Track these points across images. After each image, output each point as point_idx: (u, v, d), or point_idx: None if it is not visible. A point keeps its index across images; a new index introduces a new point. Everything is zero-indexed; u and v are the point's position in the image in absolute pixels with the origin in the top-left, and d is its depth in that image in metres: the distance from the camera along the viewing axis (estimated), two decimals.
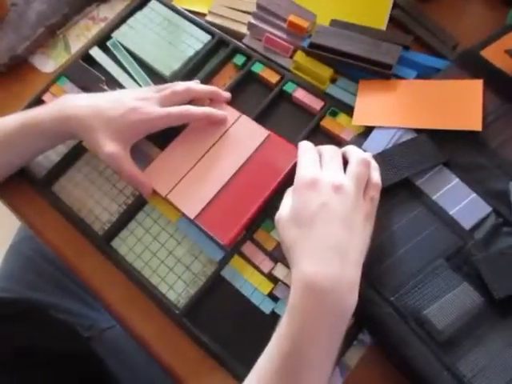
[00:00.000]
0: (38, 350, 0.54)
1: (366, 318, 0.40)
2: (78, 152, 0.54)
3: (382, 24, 0.55)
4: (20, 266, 0.66)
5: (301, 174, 0.41)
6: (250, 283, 0.44)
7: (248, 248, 0.46)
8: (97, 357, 0.59)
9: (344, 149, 0.43)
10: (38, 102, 0.56)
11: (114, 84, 0.56)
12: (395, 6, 0.56)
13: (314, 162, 0.42)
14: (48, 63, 0.60)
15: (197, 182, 0.48)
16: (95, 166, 0.53)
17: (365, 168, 0.41)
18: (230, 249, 0.46)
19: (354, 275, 0.37)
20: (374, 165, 0.42)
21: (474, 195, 0.42)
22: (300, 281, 0.36)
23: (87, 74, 0.57)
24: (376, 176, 0.42)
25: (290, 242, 0.39)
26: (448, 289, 0.38)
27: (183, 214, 0.47)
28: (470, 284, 0.38)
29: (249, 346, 0.42)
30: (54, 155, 0.54)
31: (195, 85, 0.51)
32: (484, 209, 0.41)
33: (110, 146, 0.46)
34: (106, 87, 0.55)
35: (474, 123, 0.44)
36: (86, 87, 0.56)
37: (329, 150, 0.43)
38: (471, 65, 0.48)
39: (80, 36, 0.62)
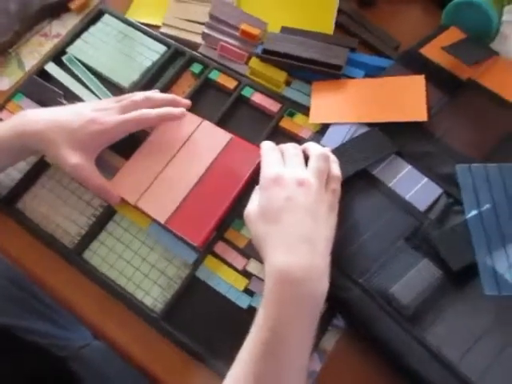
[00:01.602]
0: (5, 373, 0.53)
1: (339, 303, 0.42)
2: (40, 167, 0.53)
3: (329, 29, 0.58)
4: None
5: (265, 172, 0.43)
6: (226, 281, 0.46)
7: (220, 247, 0.47)
8: (74, 376, 0.58)
9: (304, 145, 0.46)
10: None
11: (73, 98, 0.56)
12: (340, 12, 0.59)
13: (276, 160, 0.44)
14: (2, 81, 0.60)
15: (165, 188, 0.49)
16: (59, 180, 0.53)
17: (324, 162, 0.43)
18: (203, 250, 0.47)
19: (324, 263, 0.39)
20: (333, 158, 0.45)
21: (425, 179, 0.46)
22: (273, 273, 0.38)
23: (44, 89, 0.57)
24: (336, 169, 0.45)
25: (261, 237, 0.41)
26: (410, 266, 0.42)
27: (153, 220, 0.48)
28: (430, 260, 0.42)
29: (230, 342, 0.43)
30: (16, 172, 0.53)
31: (154, 93, 0.52)
32: (436, 191, 0.45)
33: (74, 158, 0.47)
34: (64, 101, 0.55)
35: (420, 114, 0.48)
36: (44, 102, 0.55)
37: (290, 147, 0.45)
38: (413, 62, 0.52)
39: (33, 52, 0.61)
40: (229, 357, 0.39)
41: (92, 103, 0.51)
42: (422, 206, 0.45)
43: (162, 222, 0.47)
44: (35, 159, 0.54)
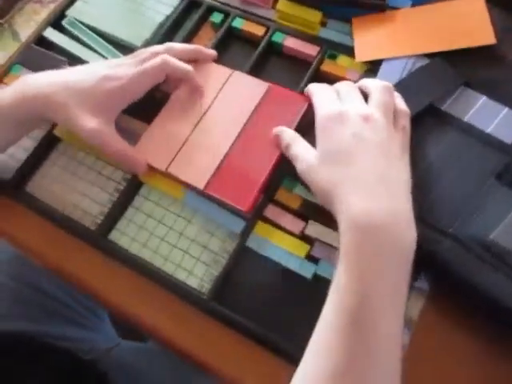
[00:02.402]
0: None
1: (425, 259, 0.35)
2: (48, 143, 0.46)
3: None
4: None
5: (322, 111, 0.37)
6: (283, 248, 0.39)
7: (271, 211, 0.40)
8: (106, 378, 0.51)
9: (359, 83, 0.39)
10: None
11: (78, 63, 0.48)
12: None
13: (332, 97, 0.37)
14: None
15: (198, 150, 0.42)
16: (72, 155, 0.46)
17: (389, 95, 0.37)
18: (251, 215, 0.40)
19: (407, 206, 0.33)
20: (396, 94, 0.38)
21: (506, 109, 0.39)
22: (351, 222, 0.32)
23: (45, 58, 0.49)
24: (402, 104, 0.38)
25: (329, 185, 0.34)
26: (509, 207, 0.35)
27: (189, 187, 0.41)
28: None
29: (296, 319, 0.37)
30: (21, 151, 0.46)
31: (175, 44, 0.45)
32: None
33: (90, 122, 0.40)
34: (69, 68, 0.48)
35: (487, 37, 0.41)
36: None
37: (344, 85, 0.39)
38: None
39: (29, 21, 0.54)
40: (298, 336, 0.32)
41: (105, 62, 0.44)
42: (508, 138, 0.38)
43: (201, 188, 0.40)
44: (42, 134, 0.46)
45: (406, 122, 0.37)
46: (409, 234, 0.32)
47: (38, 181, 0.45)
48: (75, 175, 0.45)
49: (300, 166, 0.37)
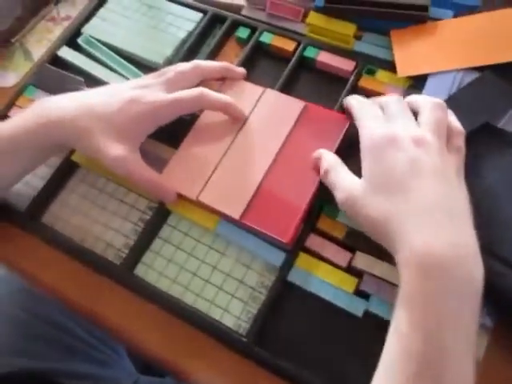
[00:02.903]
0: None
1: (489, 294, 0.32)
2: (67, 170, 0.43)
3: None
4: (7, 331, 0.53)
5: (370, 134, 0.33)
6: (329, 283, 0.35)
7: (314, 241, 0.37)
8: None
9: (406, 99, 0.36)
10: (4, 120, 0.45)
11: (96, 83, 0.45)
12: None
13: (378, 116, 0.34)
14: (7, 76, 0.50)
15: (231, 176, 0.38)
16: (92, 182, 0.43)
17: (442, 112, 0.33)
18: (292, 247, 0.36)
19: (472, 237, 0.29)
20: (449, 111, 0.35)
21: None
22: (412, 261, 0.28)
23: (60, 78, 0.46)
24: (456, 122, 0.34)
25: (381, 218, 0.30)
26: None
27: (223, 217, 0.38)
28: None
29: (347, 362, 0.33)
30: (37, 180, 0.43)
31: (203, 62, 0.42)
32: None
33: (115, 149, 0.36)
34: (86, 88, 0.45)
35: None
36: (62, 92, 0.45)
37: (391, 100, 0.35)
38: None
39: (41, 40, 0.51)
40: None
41: (128, 82, 0.41)
42: None
43: (237, 217, 0.36)
44: (59, 160, 0.43)
45: (460, 142, 0.33)
46: (477, 269, 0.28)
47: (55, 211, 0.42)
48: (96, 204, 0.41)
49: (340, 197, 0.33)
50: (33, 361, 0.52)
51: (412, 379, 0.27)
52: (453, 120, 0.34)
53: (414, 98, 0.35)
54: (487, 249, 0.32)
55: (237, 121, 0.40)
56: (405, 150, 0.31)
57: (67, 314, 0.56)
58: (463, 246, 0.29)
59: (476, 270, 0.28)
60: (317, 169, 0.37)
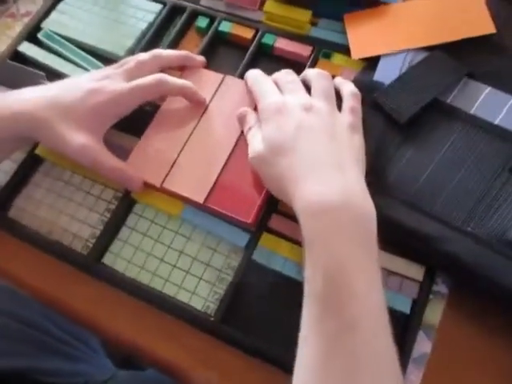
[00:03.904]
0: None
1: (443, 260, 0.34)
2: (31, 164, 0.43)
3: None
4: None
5: (264, 104, 0.37)
6: (292, 260, 0.36)
7: (276, 221, 0.38)
8: None
9: (301, 75, 0.40)
10: None
11: (58, 77, 0.45)
12: None
13: (272, 88, 0.38)
14: None
15: (194, 162, 0.39)
16: (58, 175, 0.43)
17: (326, 80, 0.38)
18: (256, 228, 0.38)
19: (360, 182, 0.32)
20: (343, 80, 0.39)
21: None
22: (306, 208, 0.31)
23: (21, 73, 0.46)
24: (350, 86, 0.38)
25: (277, 175, 0.33)
26: None
27: (187, 202, 0.39)
28: None
29: None
30: (1, 175, 0.43)
31: (163, 51, 0.42)
32: None
33: (79, 138, 0.37)
34: (47, 82, 0.45)
35: (486, 26, 0.40)
36: (24, 87, 0.45)
37: (283, 74, 0.39)
38: None
39: (1, 36, 0.51)
40: None
41: (89, 74, 0.41)
42: None
43: (201, 202, 0.37)
44: (23, 155, 0.43)
45: (353, 102, 0.37)
46: (366, 206, 0.31)
47: (21, 205, 0.42)
48: (62, 196, 0.42)
49: (251, 155, 0.36)
50: (6, 359, 0.52)
51: (316, 320, 0.28)
52: (346, 85, 0.38)
53: (304, 73, 0.39)
54: (438, 216, 0.33)
55: (197, 105, 0.41)
56: (294, 115, 0.35)
57: (40, 312, 0.56)
58: (350, 191, 0.31)
59: (366, 206, 0.31)
60: (240, 122, 0.39)
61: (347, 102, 0.37)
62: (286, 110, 0.35)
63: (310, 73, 0.39)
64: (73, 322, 0.39)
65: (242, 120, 0.39)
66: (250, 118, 0.38)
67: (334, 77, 0.42)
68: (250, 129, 0.38)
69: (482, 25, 0.40)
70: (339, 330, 0.27)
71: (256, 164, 0.36)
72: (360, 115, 0.37)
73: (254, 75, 0.40)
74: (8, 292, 0.53)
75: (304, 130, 0.34)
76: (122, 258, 0.39)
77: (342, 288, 0.28)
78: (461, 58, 0.40)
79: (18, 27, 0.52)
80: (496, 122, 0.37)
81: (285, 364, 0.33)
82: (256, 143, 0.36)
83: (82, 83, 0.39)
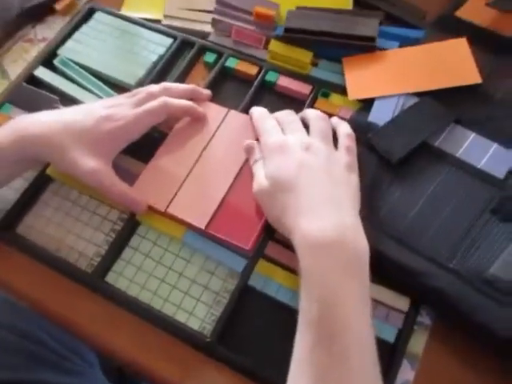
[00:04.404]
0: None
1: (426, 294, 0.36)
2: (41, 183, 0.45)
3: (348, 5, 0.54)
4: None
5: (268, 142, 0.40)
6: (285, 286, 0.39)
7: (273, 249, 0.40)
8: None
9: (300, 114, 0.43)
10: None
11: (71, 102, 0.48)
12: None
13: (274, 127, 0.41)
14: None
15: (197, 189, 0.42)
16: (66, 195, 0.45)
17: (324, 122, 0.41)
18: (253, 254, 0.40)
19: (355, 219, 0.35)
20: (339, 120, 0.43)
21: (495, 145, 0.41)
22: (303, 242, 0.33)
23: (36, 97, 0.49)
24: (345, 127, 0.41)
25: (280, 208, 0.36)
26: (505, 241, 0.36)
27: (190, 227, 0.41)
28: None
29: None
30: (11, 192, 0.45)
31: (172, 84, 0.45)
32: (510, 156, 0.40)
33: (90, 163, 0.39)
34: (61, 107, 0.48)
35: (472, 77, 0.44)
36: (37, 110, 0.47)
37: (285, 114, 0.42)
38: (449, 27, 0.48)
39: (18, 60, 0.54)
40: None
41: (101, 101, 0.44)
42: (499, 173, 0.39)
43: (202, 227, 0.40)
44: (34, 174, 0.46)
45: (350, 143, 0.40)
46: (360, 242, 0.33)
47: (29, 222, 0.44)
48: (69, 216, 0.44)
49: (254, 188, 0.39)
50: (4, 372, 0.53)
51: (310, 348, 0.30)
52: (342, 126, 0.41)
53: (303, 112, 0.42)
54: (422, 252, 0.36)
55: (199, 121, 0.45)
56: (294, 155, 0.37)
57: (37, 325, 0.57)
58: (345, 226, 0.33)
59: (359, 242, 0.33)
60: (247, 153, 0.42)
61: (343, 142, 0.40)
62: (288, 149, 0.38)
63: (308, 113, 0.42)
64: (74, 336, 0.41)
65: (248, 151, 0.42)
66: (256, 152, 0.41)
67: (330, 116, 0.45)
68: (255, 161, 0.40)
69: (469, 75, 0.44)
70: (331, 360, 0.29)
71: (259, 197, 0.39)
72: (355, 154, 0.40)
73: (259, 112, 0.43)
74: (8, 305, 0.55)
75: (304, 169, 0.36)
76: (124, 277, 0.41)
77: (336, 319, 0.30)
78: (449, 104, 0.43)
79: (34, 52, 0.55)
80: (479, 165, 0.40)
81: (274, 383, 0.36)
82: (260, 178, 0.39)
83: (95, 110, 0.42)
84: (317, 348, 0.30)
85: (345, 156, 0.39)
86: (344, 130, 0.41)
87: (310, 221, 0.33)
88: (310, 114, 0.42)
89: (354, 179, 0.38)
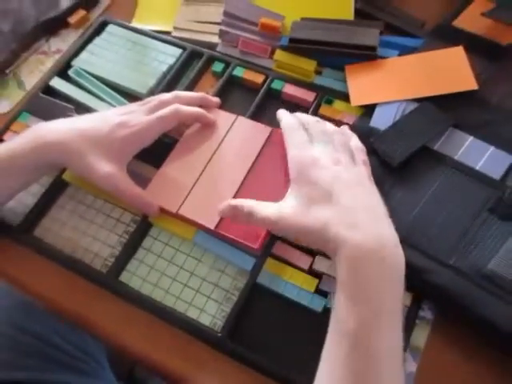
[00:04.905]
0: None
1: (428, 290, 0.38)
2: (57, 188, 0.47)
3: (350, 16, 0.56)
4: None
5: (296, 158, 0.39)
6: (293, 284, 0.40)
7: (280, 248, 0.42)
8: None
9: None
10: None
11: (85, 111, 0.51)
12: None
13: (305, 140, 0.40)
14: (1, 104, 0.54)
15: (208, 192, 0.44)
16: (81, 199, 0.47)
17: (343, 136, 0.42)
18: (261, 253, 0.42)
19: (391, 229, 0.35)
20: (351, 133, 0.43)
21: (492, 148, 0.43)
22: (344, 253, 0.33)
23: (52, 106, 0.51)
24: (358, 142, 0.42)
25: (318, 225, 0.35)
26: (503, 238, 0.37)
27: (200, 228, 0.43)
28: None
29: (309, 353, 0.38)
30: (29, 197, 0.47)
31: (183, 92, 0.47)
32: (507, 158, 0.42)
33: (105, 167, 0.41)
34: (76, 115, 0.50)
35: (469, 83, 0.45)
36: (54, 119, 0.50)
37: (313, 123, 0.42)
38: (447, 35, 0.50)
39: (33, 71, 0.56)
40: (311, 371, 0.33)
41: (115, 109, 0.46)
42: (496, 174, 0.41)
43: (212, 227, 0.41)
44: (50, 179, 0.48)
45: (364, 156, 0.41)
46: (398, 254, 0.34)
47: (46, 225, 0.46)
48: (84, 219, 0.46)
49: (280, 211, 0.37)
50: (17, 372, 0.55)
51: (345, 355, 0.31)
52: (356, 140, 0.42)
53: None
54: (424, 251, 0.38)
55: (209, 127, 0.46)
56: (326, 168, 0.37)
57: (51, 327, 0.59)
58: (385, 237, 0.34)
59: (398, 254, 0.34)
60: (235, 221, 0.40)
61: (359, 156, 0.40)
62: (319, 164, 0.38)
63: (330, 128, 0.42)
64: (89, 334, 0.42)
65: (234, 209, 0.39)
66: (246, 205, 0.39)
67: (334, 121, 0.47)
68: (251, 212, 0.38)
69: (466, 81, 0.46)
70: (366, 369, 0.31)
71: (288, 221, 0.36)
72: (370, 168, 0.40)
73: (287, 123, 0.42)
74: (23, 307, 0.57)
75: (339, 181, 0.36)
76: (137, 277, 0.43)
77: (373, 331, 0.31)
78: (447, 109, 0.45)
79: (49, 63, 0.57)
80: (477, 167, 0.42)
81: (283, 378, 0.37)
82: (273, 209, 0.37)
83: (109, 117, 0.44)
84: (352, 356, 0.31)
85: (364, 169, 0.39)
86: (357, 143, 0.42)
87: (350, 231, 0.33)
88: (332, 129, 0.42)
89: (376, 188, 0.38)
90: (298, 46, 0.51)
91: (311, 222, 0.36)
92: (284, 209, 0.37)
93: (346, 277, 0.33)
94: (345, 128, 0.43)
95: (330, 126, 0.43)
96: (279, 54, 0.52)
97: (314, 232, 0.36)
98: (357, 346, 0.31)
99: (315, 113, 0.48)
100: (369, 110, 0.47)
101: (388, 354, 0.31)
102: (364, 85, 0.49)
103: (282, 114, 0.44)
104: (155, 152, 0.46)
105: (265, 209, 0.38)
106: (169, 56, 0.54)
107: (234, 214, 0.39)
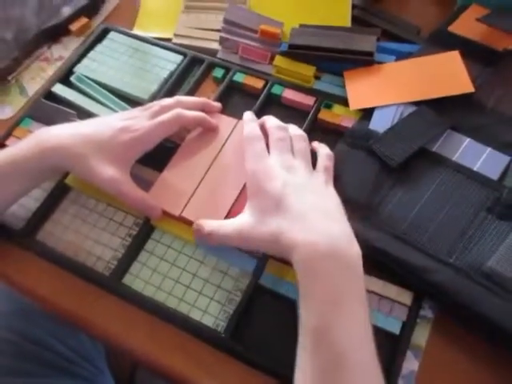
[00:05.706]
0: None
1: (428, 288, 0.38)
2: (59, 192, 0.48)
3: (346, 23, 0.57)
4: None
5: (253, 170, 0.41)
6: (294, 285, 0.41)
7: None
8: None
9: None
10: (2, 148, 0.49)
11: (87, 116, 0.51)
12: (353, 7, 0.59)
13: (261, 151, 0.42)
14: (4, 110, 0.55)
15: (210, 195, 0.44)
16: (84, 203, 0.47)
17: (304, 142, 0.44)
18: (263, 254, 0.42)
19: (345, 226, 0.36)
20: (319, 143, 0.46)
21: (488, 149, 0.43)
22: (300, 255, 0.35)
23: (54, 111, 0.52)
24: (324, 148, 0.44)
25: (274, 234, 0.37)
26: (502, 236, 0.38)
27: None
28: None
29: None
30: (31, 201, 0.47)
31: (184, 97, 0.48)
32: (503, 159, 0.43)
33: (109, 171, 0.42)
34: (78, 120, 0.51)
35: (465, 86, 0.46)
36: (56, 124, 0.50)
37: (275, 129, 0.43)
38: (443, 41, 0.51)
39: (35, 78, 0.57)
40: None
41: (117, 114, 0.47)
42: (494, 175, 0.42)
43: None
44: (53, 184, 0.48)
45: (328, 162, 0.43)
46: (353, 248, 0.35)
47: (49, 229, 0.46)
48: (87, 222, 0.46)
49: (240, 224, 0.39)
50: (19, 378, 0.55)
51: (311, 351, 0.32)
52: (323, 148, 0.44)
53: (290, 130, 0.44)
54: (424, 250, 0.38)
55: (211, 131, 0.47)
56: (277, 178, 0.39)
57: (50, 332, 0.59)
58: (337, 234, 0.35)
59: (352, 248, 0.35)
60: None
61: (322, 162, 0.43)
62: (270, 173, 0.39)
63: (291, 131, 0.44)
64: (92, 336, 0.43)
65: (197, 231, 0.41)
66: (206, 225, 0.41)
67: (333, 125, 0.48)
68: (212, 231, 0.40)
69: (462, 85, 0.47)
70: (331, 364, 0.31)
71: (244, 239, 0.38)
72: (332, 173, 0.43)
73: (248, 132, 0.44)
74: (24, 313, 0.57)
75: (288, 188, 0.38)
76: (140, 279, 0.43)
77: (334, 325, 0.32)
78: (444, 112, 0.46)
79: (51, 70, 0.58)
80: (475, 168, 0.42)
81: (286, 378, 0.37)
82: (234, 225, 0.39)
83: (112, 122, 0.44)
84: (317, 352, 0.32)
85: (322, 174, 0.41)
86: (324, 151, 0.44)
87: (303, 233, 0.35)
88: (292, 131, 0.44)
89: (332, 191, 0.40)
90: (297, 52, 0.52)
91: (266, 233, 0.37)
92: (240, 225, 0.39)
93: (304, 277, 0.34)
94: (304, 135, 0.44)
95: (293, 129, 0.44)
96: (279, 60, 0.53)
97: (270, 242, 0.37)
98: (320, 342, 0.32)
99: (315, 117, 0.49)
100: (367, 113, 0.48)
101: (354, 348, 0.32)
102: (362, 89, 0.49)
103: (245, 122, 0.45)
104: (157, 156, 0.46)
105: (224, 227, 0.40)
106: (170, 62, 0.55)
107: (197, 235, 0.41)
